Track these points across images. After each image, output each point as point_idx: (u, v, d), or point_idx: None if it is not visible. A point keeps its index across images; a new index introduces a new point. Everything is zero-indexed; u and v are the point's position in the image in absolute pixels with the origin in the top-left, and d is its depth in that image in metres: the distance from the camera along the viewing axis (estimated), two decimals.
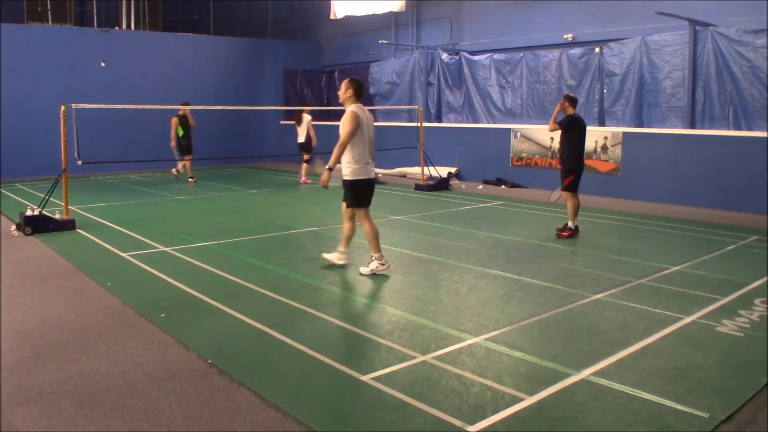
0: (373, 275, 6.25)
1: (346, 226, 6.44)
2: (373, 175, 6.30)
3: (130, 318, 4.97)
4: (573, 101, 8.34)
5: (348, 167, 6.18)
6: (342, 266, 6.49)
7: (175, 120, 14.08)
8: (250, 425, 3.29)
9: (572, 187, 8.37)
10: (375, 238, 6.26)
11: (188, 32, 20.09)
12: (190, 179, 14.39)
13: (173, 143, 14.16)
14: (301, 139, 14.16)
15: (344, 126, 6.03)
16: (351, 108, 6.12)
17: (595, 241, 8.26)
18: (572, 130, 8.22)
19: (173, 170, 14.88)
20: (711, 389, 3.72)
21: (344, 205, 6.35)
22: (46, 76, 15.78)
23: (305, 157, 14.29)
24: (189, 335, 4.57)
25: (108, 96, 15.28)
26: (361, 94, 6.24)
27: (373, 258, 6.30)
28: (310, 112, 15.07)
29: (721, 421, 3.33)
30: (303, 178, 14.40)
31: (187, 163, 14.35)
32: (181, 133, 14.05)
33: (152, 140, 15.97)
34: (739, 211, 10.38)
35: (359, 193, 6.21)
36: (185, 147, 14.17)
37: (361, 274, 6.28)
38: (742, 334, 4.64)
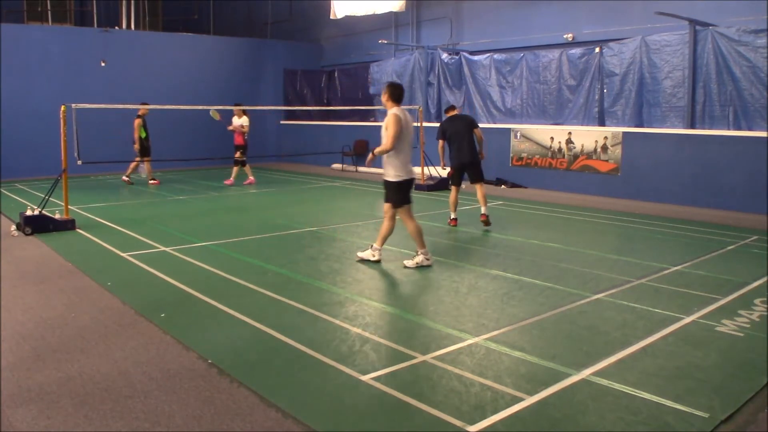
0: (372, 275, 6.25)
1: (388, 225, 6.73)
2: (413, 175, 6.68)
3: (130, 318, 4.97)
4: (453, 107, 9.23)
5: (390, 168, 6.52)
6: (376, 262, 6.72)
7: (138, 121, 13.62)
8: (250, 425, 3.29)
9: (452, 181, 9.03)
10: (419, 235, 6.61)
11: (188, 32, 20.09)
12: (152, 181, 14.01)
13: (137, 145, 13.63)
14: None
15: (386, 129, 6.39)
16: (393, 111, 6.46)
17: (595, 241, 8.27)
18: (447, 132, 8.85)
19: (154, 179, 14.12)
20: (711, 389, 3.72)
21: (387, 204, 6.68)
22: (46, 76, 15.78)
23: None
24: (189, 335, 4.57)
25: (108, 96, 15.29)
26: (399, 98, 6.55)
27: (419, 252, 6.63)
28: (312, 113, 14.92)
29: (721, 421, 3.33)
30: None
31: (149, 165, 14.01)
32: (143, 134, 13.66)
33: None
34: (739, 211, 10.39)
35: (401, 193, 6.55)
36: (148, 148, 13.77)
37: (405, 266, 6.58)
38: (742, 334, 4.64)
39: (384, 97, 6.60)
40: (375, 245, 6.74)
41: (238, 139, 13.78)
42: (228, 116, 13.90)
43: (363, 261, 6.75)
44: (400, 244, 7.74)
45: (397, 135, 6.35)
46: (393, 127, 6.32)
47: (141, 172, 14.10)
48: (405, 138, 6.46)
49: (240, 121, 13.72)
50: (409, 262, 6.60)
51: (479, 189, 8.91)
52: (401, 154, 6.46)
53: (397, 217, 6.67)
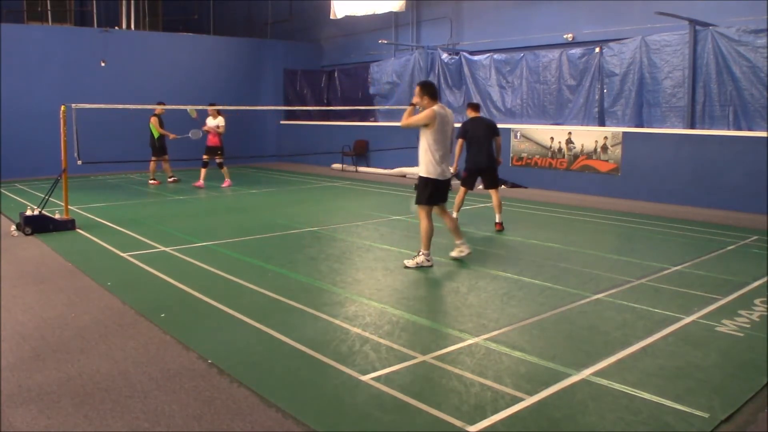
0: (372, 275, 6.26)
1: (446, 221, 6.77)
2: (447, 176, 6.59)
3: (130, 318, 4.97)
4: (476, 108, 9.05)
5: (424, 164, 6.47)
6: (468, 255, 6.78)
7: (155, 119, 13.78)
8: (250, 425, 3.29)
9: (463, 182, 8.90)
10: (429, 236, 6.56)
11: (188, 32, 20.09)
12: (152, 181, 14.17)
13: (172, 135, 13.80)
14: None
15: (419, 118, 6.36)
16: (433, 107, 6.38)
17: (595, 241, 8.27)
18: (468, 133, 8.68)
19: (154, 180, 14.25)
20: (711, 389, 3.72)
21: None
22: (46, 76, 15.77)
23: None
24: (189, 335, 4.57)
25: (108, 96, 15.27)
26: (435, 94, 6.50)
27: (420, 252, 6.59)
28: (312, 113, 14.85)
29: (721, 421, 3.33)
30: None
31: (153, 164, 14.26)
32: (156, 134, 13.85)
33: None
34: (739, 211, 10.39)
35: (427, 191, 6.49)
36: (159, 148, 13.97)
37: (405, 267, 6.54)
38: (742, 334, 4.64)
39: (425, 101, 6.38)
40: (460, 246, 6.72)
41: (213, 140, 13.33)
42: (204, 116, 13.87)
43: (418, 267, 6.55)
44: (400, 244, 7.75)
45: (421, 124, 6.33)
46: (421, 117, 6.31)
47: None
48: (443, 136, 6.39)
49: (215, 122, 13.27)
50: (409, 262, 6.60)
51: (495, 196, 8.71)
52: (437, 152, 6.38)
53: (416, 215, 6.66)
